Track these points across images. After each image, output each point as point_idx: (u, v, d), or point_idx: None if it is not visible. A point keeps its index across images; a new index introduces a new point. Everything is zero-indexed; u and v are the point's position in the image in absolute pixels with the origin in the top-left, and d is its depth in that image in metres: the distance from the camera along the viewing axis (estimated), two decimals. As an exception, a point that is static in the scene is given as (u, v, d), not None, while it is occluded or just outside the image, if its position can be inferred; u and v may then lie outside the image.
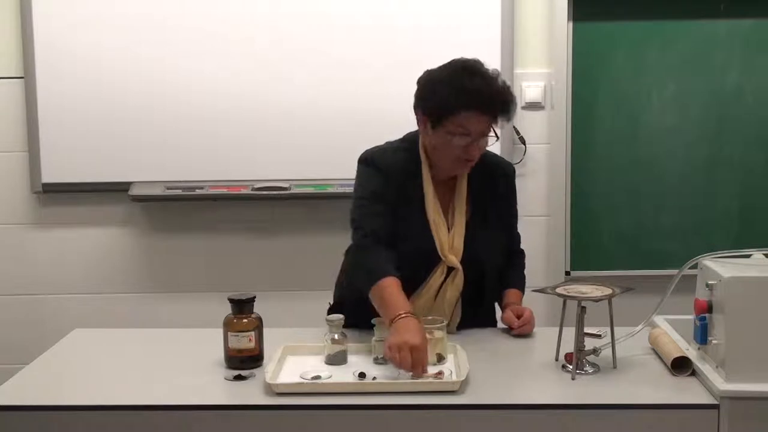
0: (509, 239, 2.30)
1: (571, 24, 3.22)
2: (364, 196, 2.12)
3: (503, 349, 2.09)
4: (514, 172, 2.30)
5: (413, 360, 1.79)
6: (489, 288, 2.22)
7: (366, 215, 2.10)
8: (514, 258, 2.33)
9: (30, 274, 3.37)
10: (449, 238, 2.11)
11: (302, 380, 1.82)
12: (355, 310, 2.09)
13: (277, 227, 3.36)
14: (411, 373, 1.81)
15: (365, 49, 3.19)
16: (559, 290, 1.91)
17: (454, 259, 2.11)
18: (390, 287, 1.96)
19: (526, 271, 2.38)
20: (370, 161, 2.15)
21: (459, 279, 2.12)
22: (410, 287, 2.06)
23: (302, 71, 3.21)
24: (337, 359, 1.93)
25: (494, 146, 2.15)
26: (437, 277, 2.11)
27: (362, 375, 1.84)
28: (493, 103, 2.01)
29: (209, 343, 2.03)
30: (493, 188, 2.20)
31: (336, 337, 1.94)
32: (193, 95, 3.21)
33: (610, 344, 1.91)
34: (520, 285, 2.29)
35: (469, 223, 2.15)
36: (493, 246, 2.19)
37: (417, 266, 2.09)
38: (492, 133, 2.06)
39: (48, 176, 3.25)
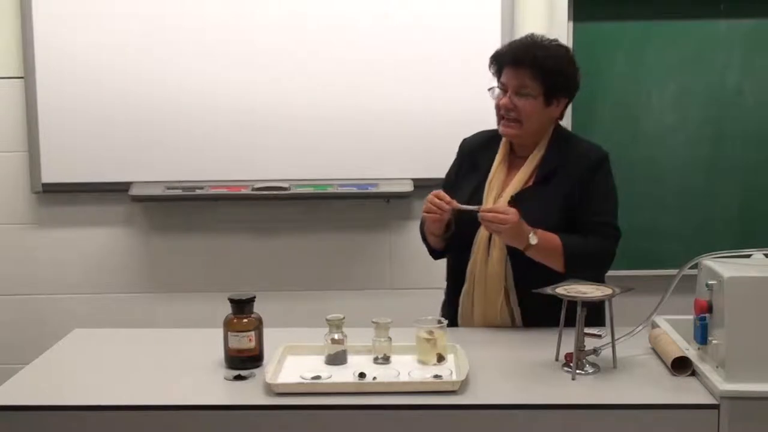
0: (580, 225, 2.22)
1: (571, 24, 3.22)
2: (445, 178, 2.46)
3: (503, 349, 2.09)
4: (599, 159, 2.29)
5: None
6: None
7: None
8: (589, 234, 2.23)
9: (30, 274, 3.37)
10: (497, 198, 2.25)
11: (302, 380, 1.82)
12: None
13: (277, 227, 3.36)
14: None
15: (365, 50, 3.19)
16: (559, 290, 1.91)
17: None
18: None
19: None
20: (460, 144, 2.45)
21: None
22: (464, 244, 2.26)
23: (302, 71, 3.20)
24: (337, 359, 1.93)
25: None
26: (483, 230, 2.22)
27: (362, 375, 1.84)
28: (517, 54, 2.22)
29: (209, 343, 2.03)
30: (564, 170, 2.24)
31: (336, 337, 1.94)
32: (194, 95, 3.21)
33: (610, 344, 1.91)
34: (564, 239, 2.17)
35: (525, 190, 2.25)
36: (538, 212, 2.17)
37: (467, 224, 2.22)
38: (529, 92, 2.21)
39: (48, 176, 3.25)
